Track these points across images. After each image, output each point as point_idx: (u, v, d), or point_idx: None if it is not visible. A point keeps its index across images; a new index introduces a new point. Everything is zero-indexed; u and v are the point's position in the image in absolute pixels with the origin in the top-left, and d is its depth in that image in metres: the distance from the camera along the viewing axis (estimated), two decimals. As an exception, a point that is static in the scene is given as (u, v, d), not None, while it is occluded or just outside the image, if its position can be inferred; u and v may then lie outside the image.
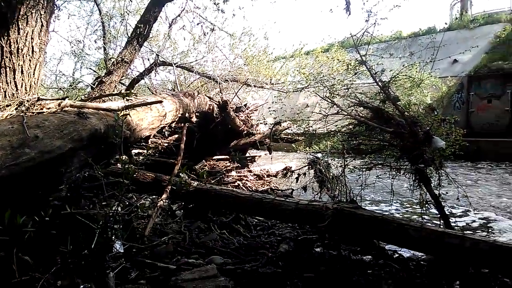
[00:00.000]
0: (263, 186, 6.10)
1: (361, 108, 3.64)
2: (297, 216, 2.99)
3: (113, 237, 1.84)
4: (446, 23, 20.28)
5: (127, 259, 2.11)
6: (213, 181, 5.09)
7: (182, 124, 4.75)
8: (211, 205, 3.66)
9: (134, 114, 2.85)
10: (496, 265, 2.35)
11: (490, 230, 4.70)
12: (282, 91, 10.00)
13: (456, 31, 18.26)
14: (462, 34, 17.55)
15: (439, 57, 10.35)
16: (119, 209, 1.98)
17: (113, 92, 4.53)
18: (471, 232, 4.69)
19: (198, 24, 8.64)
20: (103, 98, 3.65)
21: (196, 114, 5.39)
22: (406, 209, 5.53)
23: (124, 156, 2.21)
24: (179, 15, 10.28)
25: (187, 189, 2.63)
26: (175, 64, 9.30)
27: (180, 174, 2.65)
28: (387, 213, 5.24)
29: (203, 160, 5.93)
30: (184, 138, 4.40)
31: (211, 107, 5.42)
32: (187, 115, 4.24)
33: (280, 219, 3.47)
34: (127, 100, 2.54)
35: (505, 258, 2.25)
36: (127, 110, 2.50)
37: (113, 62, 5.51)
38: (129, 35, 5.78)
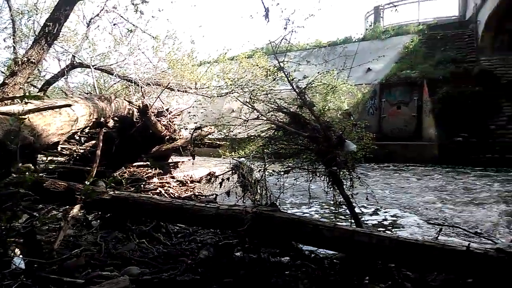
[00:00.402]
0: (186, 192, 6.01)
1: (280, 113, 3.74)
2: (218, 221, 2.98)
3: (10, 252, 1.68)
4: (360, 34, 21.74)
5: (28, 276, 1.93)
6: (132, 189, 4.91)
7: (99, 129, 4.52)
8: (130, 213, 3.52)
9: (40, 118, 2.64)
10: (400, 259, 2.54)
11: (396, 226, 5.10)
12: (207, 96, 9.97)
13: (370, 41, 19.61)
14: (375, 44, 18.89)
15: (354, 66, 11.09)
16: (19, 222, 1.82)
17: (18, 95, 4.15)
18: (383, 229, 5.06)
19: (114, 25, 8.29)
20: (5, 102, 3.34)
21: (115, 118, 5.17)
22: (325, 210, 5.79)
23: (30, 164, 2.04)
24: (97, 15, 9.82)
25: (94, 198, 2.49)
26: (93, 66, 8.84)
27: (87, 182, 2.50)
28: (307, 215, 5.45)
29: (123, 167, 5.69)
30: (101, 144, 4.18)
31: (130, 112, 5.23)
32: (102, 119, 4.04)
33: (202, 225, 3.44)
34: (26, 103, 2.34)
35: (407, 253, 2.43)
36: (31, 113, 2.31)
37: (18, 62, 5.08)
38: (37, 34, 5.37)
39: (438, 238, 3.66)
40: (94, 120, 3.76)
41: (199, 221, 3.10)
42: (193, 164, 6.51)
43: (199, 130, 6.36)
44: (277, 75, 4.07)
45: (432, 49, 17.10)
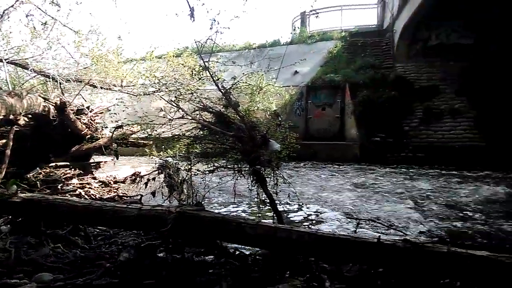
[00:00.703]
0: (109, 193, 5.77)
1: (206, 112, 3.75)
2: (141, 223, 2.92)
3: None
4: (288, 38, 22.37)
5: None
6: (48, 191, 4.60)
7: (9, 128, 4.18)
8: (44, 217, 3.29)
9: None
10: (319, 253, 2.67)
11: (319, 221, 5.35)
12: (133, 94, 9.64)
13: (297, 45, 20.27)
14: (301, 48, 19.56)
15: (283, 67, 11.40)
16: None
17: None
18: (308, 224, 5.29)
19: (27, 16, 7.71)
20: None
21: (29, 116, 4.82)
22: (252, 209, 5.88)
23: None
24: (12, 6, 9.06)
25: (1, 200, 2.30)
26: (5, 59, 8.15)
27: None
28: (234, 213, 5.51)
29: (38, 168, 5.31)
30: (11, 143, 3.86)
31: (46, 109, 4.89)
32: (12, 117, 3.74)
33: (123, 226, 3.34)
34: None
35: (325, 246, 2.56)
36: None
37: None
38: None
39: (356, 231, 3.92)
40: (1, 117, 3.47)
41: (121, 223, 3.00)
42: (114, 164, 6.26)
43: (121, 129, 6.13)
44: (203, 74, 4.06)
45: (354, 55, 18.11)
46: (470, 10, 13.99)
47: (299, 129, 15.12)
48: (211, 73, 3.51)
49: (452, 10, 14.07)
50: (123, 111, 7.62)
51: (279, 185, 3.65)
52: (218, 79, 3.54)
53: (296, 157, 4.57)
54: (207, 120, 3.65)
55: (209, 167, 3.61)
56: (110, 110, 7.82)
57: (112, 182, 6.18)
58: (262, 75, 4.79)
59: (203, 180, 3.80)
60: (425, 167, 12.44)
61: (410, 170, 11.79)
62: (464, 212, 6.06)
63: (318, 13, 18.79)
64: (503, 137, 12.80)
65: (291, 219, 5.54)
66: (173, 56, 10.51)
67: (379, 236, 2.54)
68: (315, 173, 11.17)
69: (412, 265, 2.41)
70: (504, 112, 13.19)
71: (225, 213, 5.38)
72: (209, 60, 3.66)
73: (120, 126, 5.87)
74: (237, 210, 5.79)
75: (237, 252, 3.20)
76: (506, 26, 13.91)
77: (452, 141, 13.69)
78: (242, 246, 3.28)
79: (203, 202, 3.92)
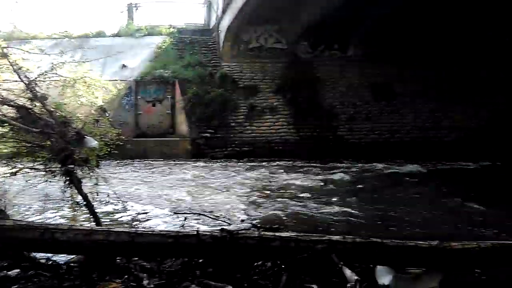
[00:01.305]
0: None
1: (6, 106, 3.26)
2: None
3: None
4: (115, 29, 21.11)
5: None
6: None
7: None
8: None
9: None
10: (140, 252, 2.62)
11: (148, 219, 5.28)
12: None
13: (124, 38, 19.28)
14: (129, 41, 18.69)
15: (109, 61, 10.62)
16: None
17: None
18: (136, 223, 5.14)
19: None
20: None
21: None
22: (75, 213, 5.39)
23: None
24: None
25: None
26: None
27: None
28: (51, 220, 4.96)
29: None
30: None
31: None
32: None
33: None
34: None
35: (145, 244, 2.52)
36: None
37: None
38: None
39: (184, 226, 3.97)
40: None
41: None
42: None
43: None
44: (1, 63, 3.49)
45: (182, 51, 18.18)
46: (280, 19, 15.63)
47: (129, 125, 14.57)
48: (11, 62, 3.05)
49: (267, 17, 15.47)
50: None
51: (99, 185, 3.44)
52: (20, 68, 3.10)
53: (126, 155, 4.34)
54: (8, 115, 3.17)
55: (11, 169, 3.14)
56: None
57: None
58: (77, 65, 4.37)
59: (7, 185, 3.29)
60: (250, 160, 13.49)
61: (237, 164, 12.63)
62: (283, 198, 6.80)
63: (138, 7, 18.34)
64: (311, 132, 14.95)
65: (118, 219, 5.30)
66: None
67: (198, 228, 2.63)
68: (145, 170, 10.94)
69: (230, 252, 2.57)
70: (311, 109, 15.33)
71: (40, 220, 4.78)
72: (7, 47, 3.17)
73: None
74: (55, 216, 5.24)
75: (50, 262, 2.89)
76: (312, 33, 16.04)
77: (273, 135, 15.15)
78: (59, 255, 2.98)
79: (10, 212, 3.42)
